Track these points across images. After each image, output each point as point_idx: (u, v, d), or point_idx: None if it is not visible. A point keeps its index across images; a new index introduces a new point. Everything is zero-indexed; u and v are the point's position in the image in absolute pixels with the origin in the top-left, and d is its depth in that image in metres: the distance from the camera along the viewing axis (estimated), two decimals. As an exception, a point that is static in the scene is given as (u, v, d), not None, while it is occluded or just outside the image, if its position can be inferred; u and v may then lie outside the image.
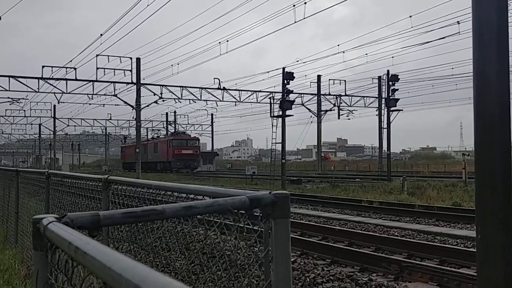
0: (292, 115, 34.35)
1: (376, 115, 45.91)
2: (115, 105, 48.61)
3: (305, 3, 30.87)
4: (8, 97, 45.54)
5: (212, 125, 79.42)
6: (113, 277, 0.84)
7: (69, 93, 40.54)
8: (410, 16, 34.39)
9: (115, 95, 41.77)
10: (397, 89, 37.51)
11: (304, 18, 31.77)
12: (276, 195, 2.07)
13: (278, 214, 2.06)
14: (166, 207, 1.81)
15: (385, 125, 37.72)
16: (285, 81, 32.83)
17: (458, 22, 32.09)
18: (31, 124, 74.23)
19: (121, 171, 73.23)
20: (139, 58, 41.06)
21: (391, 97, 36.94)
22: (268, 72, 59.62)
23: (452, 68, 55.33)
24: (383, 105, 39.48)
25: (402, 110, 38.26)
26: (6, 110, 61.50)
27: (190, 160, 65.31)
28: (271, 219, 2.08)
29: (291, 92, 33.98)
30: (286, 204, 2.09)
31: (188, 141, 67.43)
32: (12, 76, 38.07)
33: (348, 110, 51.21)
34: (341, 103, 50.05)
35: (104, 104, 52.67)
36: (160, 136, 76.42)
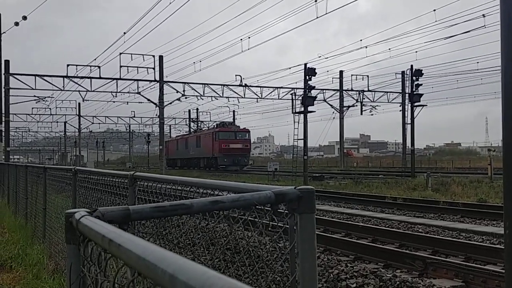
0: (314, 111, 34.23)
1: (400, 110, 45.54)
2: (139, 102, 49.08)
3: (327, -2, 30.72)
4: (34, 96, 46.32)
5: (234, 122, 79.55)
6: (149, 267, 0.87)
7: (93, 91, 41.09)
8: (434, 10, 33.95)
9: (139, 93, 42.17)
10: (421, 84, 37.04)
11: (326, 14, 31.62)
12: (302, 190, 2.09)
13: (304, 209, 2.07)
14: (194, 202, 1.85)
15: (408, 120, 37.29)
16: (307, 77, 32.71)
17: (484, 15, 31.58)
18: (57, 122, 75.70)
19: (145, 168, 73.56)
20: (162, 56, 41.39)
21: (414, 92, 36.49)
22: (290, 68, 59.21)
23: (478, 63, 54.66)
24: (406, 101, 39.06)
25: (426, 105, 37.78)
26: (32, 108, 62.53)
27: (239, 156, 54.68)
28: (297, 214, 2.09)
29: (313, 88, 33.84)
30: (311, 199, 2.10)
31: (237, 133, 56.62)
32: (37, 75, 38.74)
33: (371, 105, 50.84)
34: (364, 98, 49.71)
35: (127, 102, 53.33)
36: (203, 129, 66.82)
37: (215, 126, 60.77)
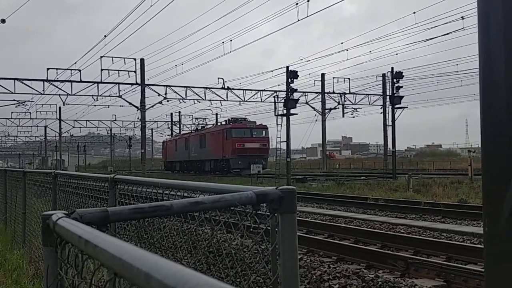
0: (297, 114, 34.39)
1: (381, 112, 45.91)
2: (120, 106, 48.86)
3: (308, 1, 30.89)
4: (14, 100, 45.78)
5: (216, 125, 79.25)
6: (124, 267, 0.85)
7: (74, 95, 40.75)
8: (414, 13, 34.34)
9: (120, 96, 41.92)
10: (402, 86, 37.39)
11: (308, 16, 31.80)
12: (283, 190, 2.09)
13: (285, 209, 2.07)
14: (173, 203, 1.83)
15: (390, 122, 37.65)
16: (289, 80, 32.83)
17: (463, 18, 32.03)
18: (37, 126, 74.80)
19: (127, 171, 72.70)
20: (143, 59, 41.24)
21: (395, 95, 36.83)
22: (272, 71, 59.35)
23: (457, 65, 55.64)
24: (387, 103, 39.42)
25: (406, 107, 38.20)
26: (12, 112, 61.78)
27: (256, 157, 44.66)
28: (278, 214, 2.09)
29: (295, 90, 33.99)
30: (293, 199, 2.10)
31: (253, 130, 47.20)
32: (17, 79, 38.25)
33: (352, 108, 51.21)
34: (345, 101, 50.06)
35: (109, 105, 52.96)
36: (207, 126, 58.54)
37: (226, 122, 51.04)
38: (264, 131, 48.19)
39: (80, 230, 1.19)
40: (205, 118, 63.26)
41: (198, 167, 53.43)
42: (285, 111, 32.83)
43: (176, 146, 62.89)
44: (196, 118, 63.35)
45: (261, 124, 49.10)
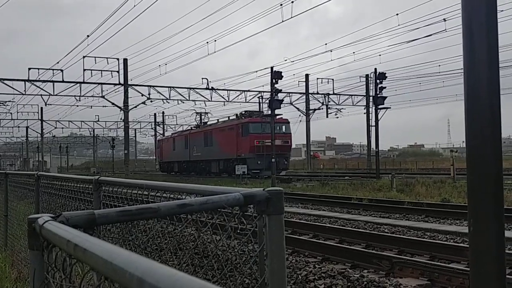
0: (281, 114, 34.41)
1: (364, 113, 46.24)
2: (103, 106, 48.56)
3: (292, 2, 31.00)
4: (-6, 100, 45.19)
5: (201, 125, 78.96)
6: (116, 271, 0.84)
7: (56, 95, 40.39)
8: (397, 14, 34.67)
9: (103, 97, 41.65)
10: (385, 87, 37.67)
11: (292, 17, 31.92)
12: (270, 192, 2.09)
13: (272, 210, 2.08)
14: (160, 205, 1.82)
15: (373, 123, 37.86)
16: (274, 81, 32.89)
17: (445, 20, 32.46)
18: (18, 127, 73.93)
19: (110, 172, 72.03)
20: (126, 59, 40.97)
21: (378, 95, 37.08)
22: (256, 71, 59.39)
23: (439, 66, 56.05)
24: (371, 103, 39.67)
25: (390, 108, 38.44)
26: (-8, 113, 60.97)
27: (278, 156, 36.08)
28: (265, 215, 2.09)
29: (280, 91, 34.06)
30: (280, 200, 2.11)
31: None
32: (-3, 79, 37.80)
33: (336, 108, 51.51)
34: (329, 101, 50.33)
35: (91, 106, 52.57)
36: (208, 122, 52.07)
37: (237, 116, 43.94)
38: (284, 126, 41.11)
39: (69, 234, 1.18)
40: (207, 113, 55.53)
41: (202, 168, 47.54)
42: (269, 112, 32.88)
43: (173, 145, 57.09)
44: (197, 113, 54.99)
45: (281, 117, 40.44)
